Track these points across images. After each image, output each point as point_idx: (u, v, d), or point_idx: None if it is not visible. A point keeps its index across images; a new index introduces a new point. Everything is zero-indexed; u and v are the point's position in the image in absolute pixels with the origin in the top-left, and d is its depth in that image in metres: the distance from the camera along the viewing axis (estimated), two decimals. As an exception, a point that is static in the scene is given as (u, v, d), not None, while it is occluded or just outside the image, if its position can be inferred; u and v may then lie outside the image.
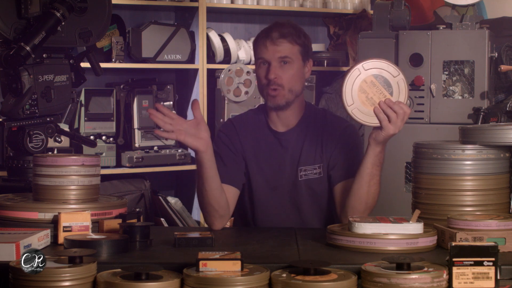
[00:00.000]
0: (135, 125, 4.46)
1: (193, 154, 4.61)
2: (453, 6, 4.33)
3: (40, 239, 2.16)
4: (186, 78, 4.72)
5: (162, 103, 4.55)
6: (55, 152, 3.77)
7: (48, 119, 2.87)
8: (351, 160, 2.72)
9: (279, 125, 2.80)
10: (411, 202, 2.47)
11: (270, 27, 2.76)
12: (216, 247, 2.24)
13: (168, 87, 4.61)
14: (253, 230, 2.68)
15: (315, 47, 5.04)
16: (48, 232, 2.23)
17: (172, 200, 4.47)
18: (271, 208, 2.78)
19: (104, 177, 3.83)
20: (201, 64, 4.60)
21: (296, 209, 2.77)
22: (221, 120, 4.60)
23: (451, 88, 3.97)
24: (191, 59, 4.60)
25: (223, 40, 4.73)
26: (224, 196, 2.63)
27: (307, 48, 2.77)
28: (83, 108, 4.32)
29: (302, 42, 2.74)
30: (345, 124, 2.83)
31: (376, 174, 2.55)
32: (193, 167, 4.58)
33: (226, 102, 4.62)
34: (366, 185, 2.55)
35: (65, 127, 4.17)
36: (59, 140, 3.10)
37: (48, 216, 2.28)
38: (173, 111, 4.56)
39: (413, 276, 1.81)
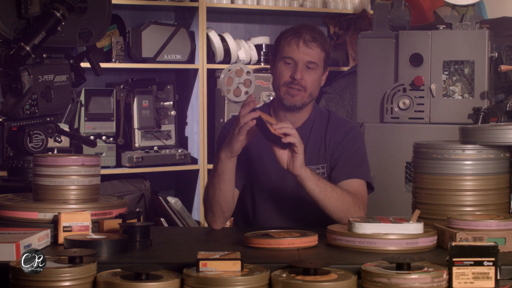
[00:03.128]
0: (135, 125, 4.46)
1: (193, 154, 4.61)
2: (453, 6, 4.33)
3: (40, 239, 2.16)
4: (186, 78, 4.72)
5: (162, 103, 4.56)
6: (55, 152, 3.77)
7: (48, 119, 2.86)
8: (354, 161, 2.73)
9: None
10: (411, 202, 2.47)
11: (301, 28, 2.72)
12: (216, 247, 2.24)
13: (168, 87, 4.61)
14: (254, 230, 2.68)
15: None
16: (48, 232, 2.23)
17: (172, 200, 4.47)
18: (273, 208, 2.78)
19: (104, 177, 3.83)
20: (201, 64, 4.60)
21: (298, 209, 2.77)
22: (221, 120, 4.60)
23: (451, 88, 3.97)
24: (191, 59, 4.60)
25: (223, 40, 4.73)
26: (233, 199, 2.65)
27: (329, 57, 2.78)
28: (83, 108, 4.32)
29: (327, 50, 2.75)
30: (349, 125, 2.83)
31: (325, 185, 2.55)
32: (193, 167, 4.59)
33: (226, 102, 4.62)
34: (326, 200, 2.56)
35: (65, 127, 4.16)
36: (59, 140, 3.10)
37: (48, 216, 2.28)
38: (173, 111, 4.57)
39: (413, 276, 1.81)
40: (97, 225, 2.31)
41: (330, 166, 2.76)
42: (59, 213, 2.25)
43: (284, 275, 1.85)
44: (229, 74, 4.59)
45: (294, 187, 2.75)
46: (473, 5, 4.20)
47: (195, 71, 4.62)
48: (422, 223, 2.20)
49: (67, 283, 1.83)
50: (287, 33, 2.74)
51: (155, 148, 4.51)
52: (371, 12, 4.59)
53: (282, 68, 2.72)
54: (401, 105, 4.03)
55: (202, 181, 4.57)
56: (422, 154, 2.39)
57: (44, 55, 2.82)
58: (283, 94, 2.72)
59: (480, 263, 1.85)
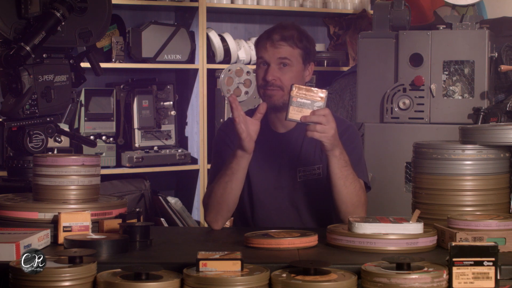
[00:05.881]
0: (135, 125, 4.46)
1: (193, 154, 4.61)
2: (453, 6, 4.33)
3: (40, 239, 2.16)
4: (186, 78, 4.72)
5: (162, 103, 4.56)
6: (55, 152, 3.77)
7: (48, 119, 2.87)
8: (351, 160, 2.72)
9: (279, 126, 2.80)
10: (411, 202, 2.47)
11: (273, 29, 2.75)
12: (216, 247, 2.24)
13: (168, 87, 4.61)
14: (253, 230, 2.68)
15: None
16: (48, 232, 2.23)
17: (172, 200, 4.47)
18: (270, 208, 2.78)
19: (104, 177, 3.83)
20: (201, 64, 4.60)
21: (296, 209, 2.77)
22: (221, 120, 4.60)
23: (451, 88, 3.97)
24: (191, 59, 4.60)
25: (223, 40, 4.73)
26: (238, 199, 2.66)
27: (309, 52, 2.76)
28: (83, 108, 4.32)
29: (304, 46, 2.73)
30: (345, 124, 2.83)
31: (348, 173, 2.57)
32: (193, 167, 4.59)
33: (226, 102, 4.62)
34: (343, 187, 2.57)
35: (65, 127, 4.17)
36: (59, 140, 3.10)
37: (48, 216, 2.28)
38: (173, 111, 4.57)
39: (413, 276, 1.81)
40: (97, 225, 2.32)
41: (326, 167, 2.75)
42: (59, 213, 2.26)
43: (284, 275, 1.85)
44: (229, 74, 4.57)
45: (291, 187, 2.76)
46: (473, 5, 4.20)
47: (195, 71, 4.62)
48: (422, 223, 2.20)
49: (67, 283, 1.83)
50: (262, 35, 2.78)
51: (155, 148, 4.51)
52: (371, 12, 4.58)
53: (258, 71, 2.76)
54: (401, 105, 4.03)
55: (202, 181, 4.57)
56: (422, 154, 2.39)
57: (44, 55, 2.82)
58: (262, 95, 2.75)
59: (480, 263, 1.85)
